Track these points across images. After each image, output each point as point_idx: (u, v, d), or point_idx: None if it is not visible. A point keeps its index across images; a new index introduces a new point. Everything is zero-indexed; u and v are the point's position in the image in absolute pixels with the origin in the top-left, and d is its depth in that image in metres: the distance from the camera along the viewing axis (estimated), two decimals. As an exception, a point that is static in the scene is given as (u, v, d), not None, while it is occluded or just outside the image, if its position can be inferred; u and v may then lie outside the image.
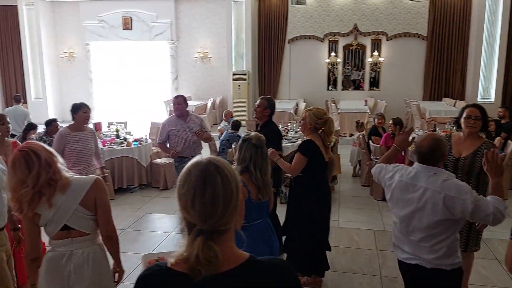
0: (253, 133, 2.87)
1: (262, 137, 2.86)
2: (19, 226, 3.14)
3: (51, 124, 6.87)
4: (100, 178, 2.36)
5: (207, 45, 14.61)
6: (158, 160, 7.49)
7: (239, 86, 13.32)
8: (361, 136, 7.67)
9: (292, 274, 1.29)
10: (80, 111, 4.52)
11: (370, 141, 7.28)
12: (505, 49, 12.25)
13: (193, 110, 12.70)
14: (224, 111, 9.43)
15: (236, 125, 7.64)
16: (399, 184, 2.51)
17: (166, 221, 5.74)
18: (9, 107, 9.20)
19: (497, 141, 7.16)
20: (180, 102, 5.34)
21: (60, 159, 2.31)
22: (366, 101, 12.71)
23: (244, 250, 2.81)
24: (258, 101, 4.55)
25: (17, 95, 9.12)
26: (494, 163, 2.40)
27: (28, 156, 2.15)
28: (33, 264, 2.31)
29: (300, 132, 8.27)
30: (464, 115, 3.32)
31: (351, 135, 11.08)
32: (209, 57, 14.60)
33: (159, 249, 4.90)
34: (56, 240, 2.29)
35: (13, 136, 8.42)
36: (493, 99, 12.41)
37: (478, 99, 12.28)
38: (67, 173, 2.30)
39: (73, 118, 4.58)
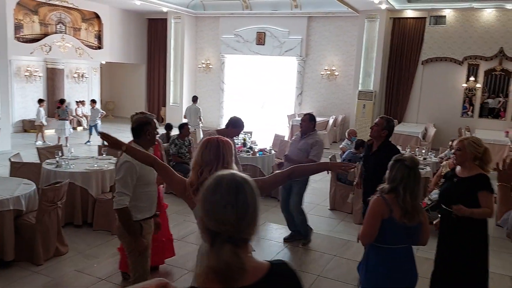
0: (407, 154, 2.79)
1: (416, 159, 2.77)
2: (158, 213, 3.53)
3: (183, 127, 7.61)
4: None
5: (335, 62, 14.66)
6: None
7: (364, 105, 13.08)
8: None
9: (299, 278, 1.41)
10: (239, 129, 4.99)
11: None
12: None
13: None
14: (348, 130, 9.35)
15: (359, 145, 7.52)
16: None
17: (284, 232, 5.88)
18: (188, 106, 11.80)
19: None
20: (304, 120, 5.32)
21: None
22: (507, 132, 11.44)
23: (379, 269, 2.74)
24: (376, 120, 4.47)
25: (195, 96, 11.79)
26: None
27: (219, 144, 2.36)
28: None
29: (431, 159, 7.80)
30: None
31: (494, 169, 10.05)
32: (335, 75, 14.62)
33: (274, 258, 5.05)
34: None
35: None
36: None
37: None
38: None
39: (228, 128, 4.98)
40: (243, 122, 4.99)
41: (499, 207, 2.48)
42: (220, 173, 1.34)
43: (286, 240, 5.59)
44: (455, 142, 3.64)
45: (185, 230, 5.69)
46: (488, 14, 12.40)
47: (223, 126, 5.62)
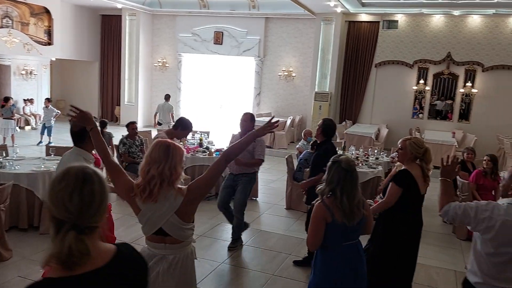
0: (343, 156, 2.84)
1: (352, 161, 2.82)
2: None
3: (128, 126, 7.46)
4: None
5: (292, 63, 14.84)
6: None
7: (320, 106, 13.33)
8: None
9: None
10: (188, 131, 4.99)
11: (458, 176, 6.87)
12: None
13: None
14: (304, 130, 9.48)
15: (313, 145, 7.62)
16: (507, 222, 2.36)
17: (240, 232, 5.85)
18: (160, 103, 11.85)
19: None
20: (245, 119, 5.20)
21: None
22: (454, 133, 12.03)
23: (324, 270, 2.79)
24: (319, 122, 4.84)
25: (167, 94, 12.11)
26: None
27: (168, 146, 2.36)
28: None
29: (383, 159, 8.05)
30: None
31: (435, 167, 10.51)
32: (293, 76, 14.80)
33: (232, 259, 5.02)
34: (151, 241, 2.43)
35: (159, 124, 11.22)
36: None
37: None
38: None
39: (176, 129, 4.91)
40: (191, 124, 4.97)
41: (441, 200, 2.61)
42: (70, 164, 1.40)
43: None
44: (398, 142, 3.80)
45: (136, 233, 5.55)
46: (437, 20, 12.99)
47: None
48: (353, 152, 8.23)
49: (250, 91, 15.54)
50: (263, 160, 5.23)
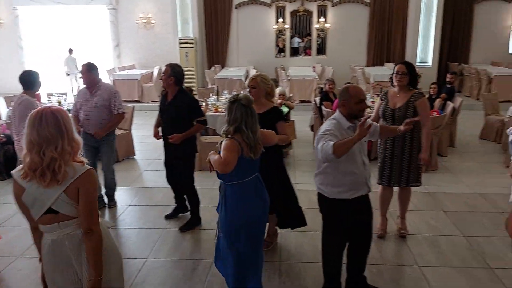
0: (241, 94, 2.88)
1: (250, 97, 2.89)
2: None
3: None
4: (93, 170, 2.15)
5: (150, 9, 13.94)
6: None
7: (186, 53, 12.95)
8: (312, 102, 7.79)
9: None
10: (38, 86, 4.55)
11: (322, 106, 7.43)
12: (441, 16, 12.83)
13: (139, 79, 12.25)
14: (173, 79, 9.15)
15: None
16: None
17: (122, 194, 5.57)
18: (66, 57, 13.20)
19: (438, 102, 7.61)
20: (83, 72, 4.69)
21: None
22: (314, 67, 12.89)
23: (239, 204, 2.90)
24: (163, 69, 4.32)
25: (70, 48, 13.24)
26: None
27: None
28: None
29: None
30: (394, 71, 3.90)
31: (302, 101, 11.26)
32: (152, 23, 13.97)
33: (119, 222, 4.78)
34: (44, 225, 2.13)
35: (68, 75, 13.14)
36: (430, 64, 13.08)
37: (417, 64, 12.88)
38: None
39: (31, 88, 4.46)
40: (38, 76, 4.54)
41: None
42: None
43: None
44: (247, 81, 3.89)
45: (5, 213, 4.91)
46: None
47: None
48: (227, 96, 8.26)
49: (108, 44, 14.30)
50: (123, 115, 4.88)
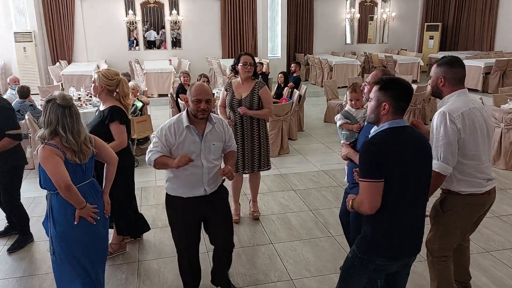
0: (57, 92, 2.57)
1: (68, 95, 2.58)
2: None
3: None
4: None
5: (-26, -1, 12.06)
6: None
7: (24, 48, 11.59)
8: (169, 95, 7.71)
9: None
10: None
11: (179, 99, 7.40)
12: (285, 11, 13.81)
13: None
14: (8, 78, 8.13)
15: (24, 92, 6.62)
16: None
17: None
18: None
19: (286, 90, 8.21)
20: None
21: None
22: (170, 60, 12.72)
23: (68, 214, 2.62)
24: None
25: None
26: None
27: None
28: None
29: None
30: (241, 62, 4.03)
31: (160, 95, 11.05)
32: (-22, 14, 12.12)
33: None
34: None
35: None
36: (280, 55, 14.02)
37: (269, 56, 13.70)
38: None
39: None
40: None
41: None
42: None
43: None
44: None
45: None
46: None
47: None
48: (74, 93, 7.68)
49: None
50: None
